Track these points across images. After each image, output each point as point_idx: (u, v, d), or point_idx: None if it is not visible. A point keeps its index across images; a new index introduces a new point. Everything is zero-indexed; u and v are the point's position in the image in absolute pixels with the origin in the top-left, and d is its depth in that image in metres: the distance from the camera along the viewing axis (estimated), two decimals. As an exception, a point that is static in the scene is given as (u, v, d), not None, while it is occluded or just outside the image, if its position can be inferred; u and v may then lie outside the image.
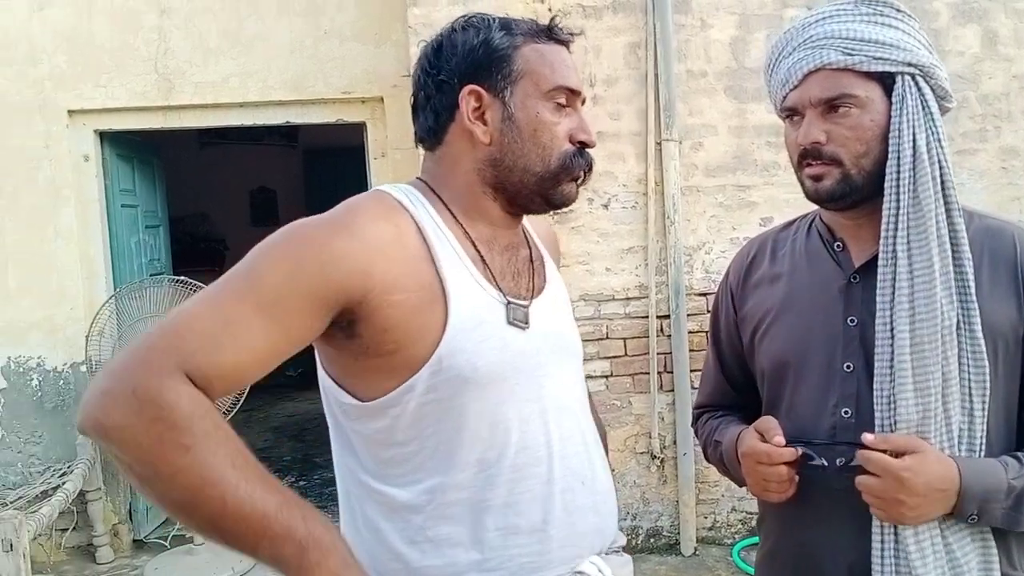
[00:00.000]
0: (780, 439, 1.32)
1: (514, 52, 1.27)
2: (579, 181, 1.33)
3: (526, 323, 1.26)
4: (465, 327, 1.18)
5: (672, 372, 4.17)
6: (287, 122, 4.75)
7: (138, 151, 5.03)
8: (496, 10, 4.13)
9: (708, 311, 4.15)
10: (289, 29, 4.54)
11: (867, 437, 1.25)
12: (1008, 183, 4.38)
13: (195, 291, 4.13)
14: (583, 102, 1.34)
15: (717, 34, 4.20)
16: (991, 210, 4.24)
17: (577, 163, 1.30)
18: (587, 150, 1.32)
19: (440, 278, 1.19)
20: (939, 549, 1.26)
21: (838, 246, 1.42)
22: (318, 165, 8.41)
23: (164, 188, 5.44)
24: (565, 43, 1.32)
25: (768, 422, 1.37)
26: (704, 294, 4.23)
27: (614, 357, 4.19)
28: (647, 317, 4.17)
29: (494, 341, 1.21)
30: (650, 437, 4.20)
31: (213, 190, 8.40)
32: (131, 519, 4.72)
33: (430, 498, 1.20)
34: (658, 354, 4.17)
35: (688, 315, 4.17)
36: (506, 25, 1.29)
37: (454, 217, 1.28)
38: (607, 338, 4.19)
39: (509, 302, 1.25)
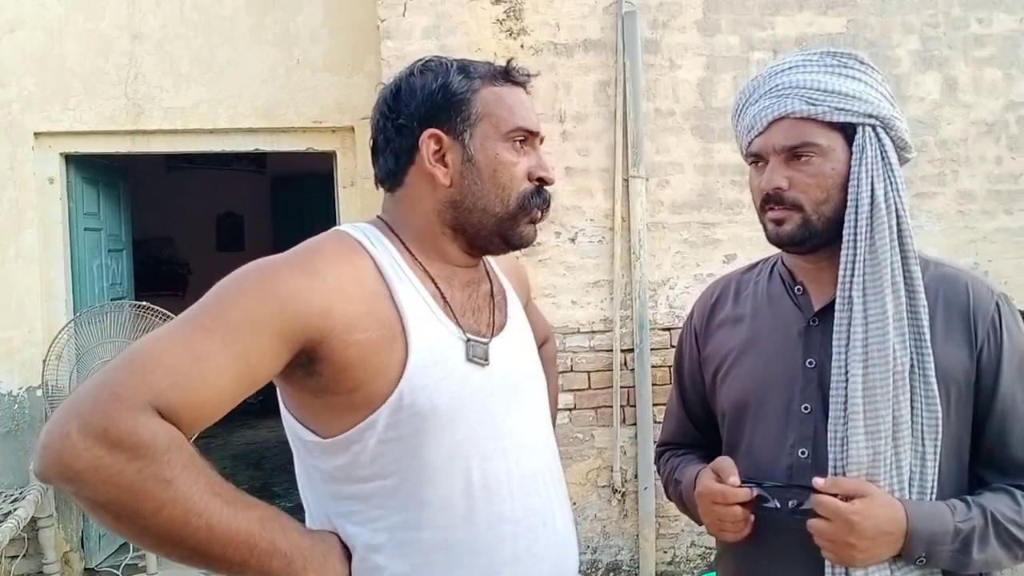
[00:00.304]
0: (735, 479, 1.34)
1: (472, 95, 1.28)
2: (536, 221, 1.34)
3: (486, 360, 1.26)
4: (425, 364, 1.19)
5: (635, 406, 4.20)
6: (256, 149, 4.75)
7: (104, 174, 4.99)
8: (468, 46, 4.19)
9: (672, 346, 4.20)
10: (261, 58, 4.56)
11: (817, 481, 1.27)
12: (965, 226, 4.49)
13: (156, 316, 4.10)
14: (541, 141, 1.37)
15: (685, 74, 4.29)
16: (948, 252, 4.35)
17: (535, 201, 1.32)
18: (545, 188, 1.34)
19: (400, 316, 1.20)
20: None
21: (799, 289, 1.45)
22: (286, 191, 8.39)
23: (129, 212, 5.39)
24: (522, 84, 1.35)
25: (724, 462, 1.39)
26: (668, 329, 4.27)
27: (578, 390, 4.21)
28: (611, 351, 4.20)
29: (454, 378, 1.21)
30: (612, 471, 4.22)
31: (179, 214, 8.33)
32: (83, 547, 4.62)
33: (390, 536, 1.19)
34: (621, 387, 4.20)
35: (652, 349, 4.21)
36: (464, 68, 1.30)
37: (413, 256, 1.29)
38: (571, 371, 4.20)
39: (469, 339, 1.25)
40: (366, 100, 4.51)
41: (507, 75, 1.33)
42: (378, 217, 1.36)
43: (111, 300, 4.82)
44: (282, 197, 8.53)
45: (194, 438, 1.09)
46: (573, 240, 4.22)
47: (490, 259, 1.45)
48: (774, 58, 4.29)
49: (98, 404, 0.99)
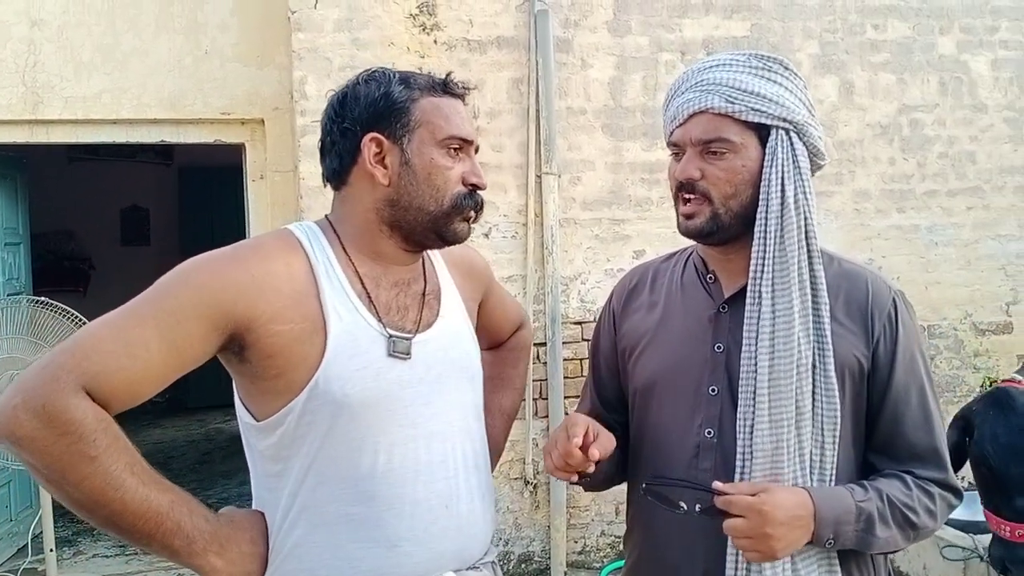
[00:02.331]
0: (578, 440, 1.35)
1: (412, 104, 1.40)
2: (470, 220, 1.46)
3: (408, 354, 1.37)
4: (341, 356, 1.31)
5: (547, 399, 4.26)
6: (162, 141, 4.63)
7: (0, 165, 4.79)
8: (381, 40, 4.17)
9: (583, 339, 4.27)
10: (168, 46, 4.44)
11: (718, 485, 1.33)
12: (860, 224, 4.69)
13: (55, 312, 3.96)
14: (476, 150, 1.48)
15: (596, 74, 4.36)
16: (845, 248, 4.55)
17: (467, 203, 1.43)
18: (478, 192, 1.45)
19: (323, 312, 1.32)
20: (787, 571, 1.34)
21: (710, 278, 1.52)
22: (194, 184, 8.17)
23: (27, 204, 5.19)
24: (460, 96, 1.47)
25: (577, 426, 1.38)
26: (580, 323, 4.35)
27: (491, 384, 4.23)
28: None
29: (370, 371, 1.33)
30: (524, 463, 4.27)
31: (81, 207, 8.05)
32: (-21, 553, 4.44)
33: (301, 510, 1.33)
34: (534, 381, 4.25)
35: (564, 343, 4.27)
36: (405, 80, 1.42)
37: (348, 256, 1.40)
38: (485, 365, 4.23)
39: (391, 335, 1.36)
40: (276, 92, 4.46)
41: (445, 87, 1.44)
42: (326, 216, 1.47)
43: (7, 295, 4.63)
44: (190, 190, 8.31)
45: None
46: (487, 235, 4.25)
47: (439, 255, 1.56)
48: (682, 60, 4.40)
49: (40, 383, 1.15)
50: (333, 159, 1.44)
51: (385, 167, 1.39)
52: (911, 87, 4.73)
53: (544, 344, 4.25)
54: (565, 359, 4.26)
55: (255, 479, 1.42)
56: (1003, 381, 2.66)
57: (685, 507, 1.37)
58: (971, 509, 3.94)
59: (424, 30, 4.16)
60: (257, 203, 4.54)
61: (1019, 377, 2.64)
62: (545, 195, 4.24)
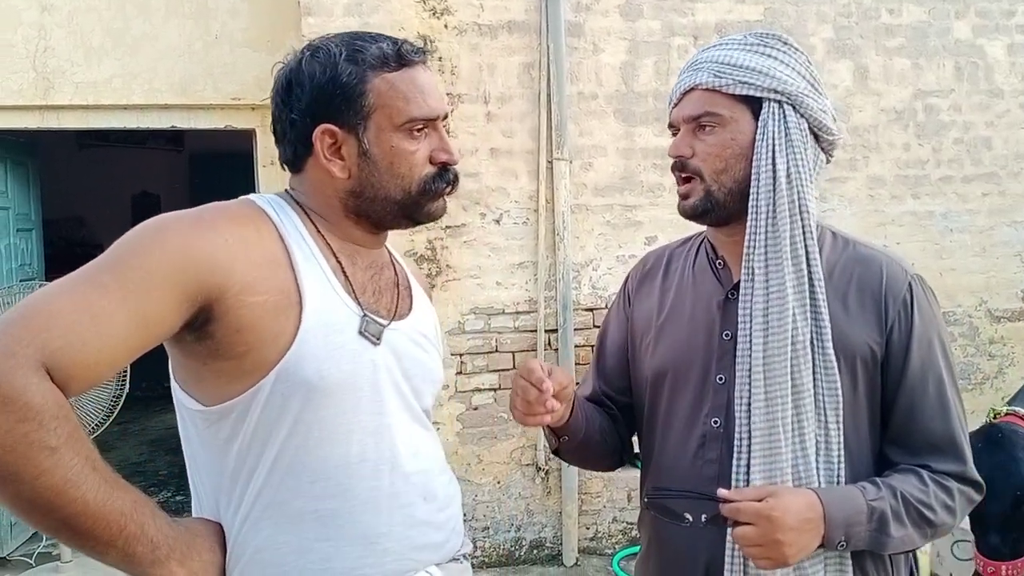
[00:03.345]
0: (548, 384, 1.32)
1: (364, 86, 1.25)
2: (445, 195, 1.34)
3: (378, 339, 1.26)
4: (316, 334, 1.18)
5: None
6: (172, 126, 4.62)
7: (12, 151, 4.80)
8: (391, 25, 4.15)
9: (595, 326, 4.26)
10: (178, 32, 4.43)
11: (722, 492, 1.29)
12: (875, 210, 4.65)
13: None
14: (445, 118, 1.34)
15: (608, 58, 4.33)
16: (859, 235, 4.50)
17: (438, 185, 1.31)
18: (449, 168, 1.33)
19: (298, 285, 1.20)
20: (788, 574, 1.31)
21: (720, 263, 1.49)
22: (205, 170, 8.17)
23: (39, 190, 5.20)
24: (418, 64, 1.30)
25: (528, 366, 1.35)
26: (591, 309, 4.33)
27: (502, 370, 4.24)
28: (536, 331, 4.24)
29: (345, 351, 1.21)
30: (535, 449, 4.27)
31: (92, 194, 8.06)
32: (-7, 537, 4.47)
33: (264, 510, 1.19)
34: (545, 368, 4.23)
35: (575, 329, 4.26)
36: (352, 56, 1.26)
37: (318, 230, 1.28)
38: (496, 351, 4.23)
39: (365, 314, 1.25)
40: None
41: (400, 58, 1.27)
42: (286, 191, 1.35)
43: (20, 281, 4.65)
44: (200, 176, 8.31)
45: (105, 426, 1.07)
46: (498, 221, 4.24)
47: (401, 260, 1.47)
48: (694, 44, 4.37)
49: None
50: (287, 148, 1.31)
51: (342, 159, 1.27)
52: (926, 72, 4.68)
53: (555, 331, 4.24)
54: (576, 346, 4.25)
55: (200, 476, 1.26)
56: (1007, 415, 2.63)
57: (691, 518, 1.34)
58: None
59: (434, 14, 4.13)
60: (268, 189, 4.49)
61: (1021, 411, 2.61)
62: (556, 181, 4.22)
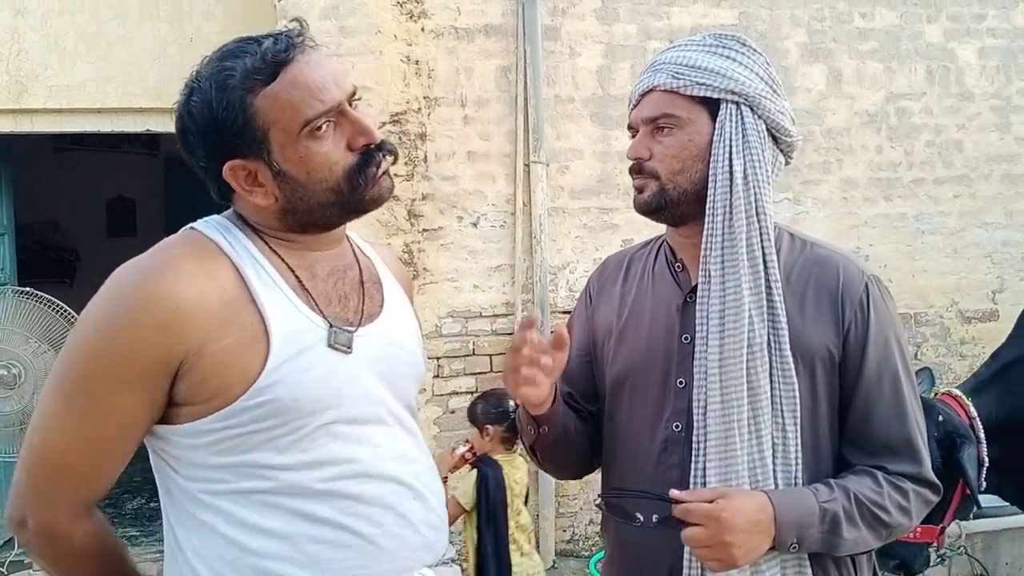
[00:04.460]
0: (535, 336, 1.34)
1: (246, 113, 1.18)
2: (386, 173, 1.27)
3: (349, 348, 1.24)
4: (285, 359, 1.17)
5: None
6: (148, 130, 4.59)
7: (-17, 154, 4.75)
8: (368, 28, 4.15)
9: (572, 329, 4.26)
10: (153, 35, 4.40)
11: (674, 492, 1.29)
12: (848, 212, 4.70)
13: (41, 302, 3.92)
14: (353, 95, 1.24)
15: (584, 62, 4.35)
16: (832, 237, 4.56)
17: (368, 170, 1.23)
18: (373, 148, 1.24)
19: (262, 316, 1.18)
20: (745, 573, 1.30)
21: (678, 266, 1.48)
22: (181, 175, 7.97)
23: (11, 195, 5.15)
24: (293, 58, 1.20)
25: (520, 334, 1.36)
26: (568, 312, 4.31)
27: (480, 373, 4.24)
28: (512, 334, 4.24)
29: (316, 370, 1.19)
30: (514, 452, 4.27)
31: (66, 198, 7.96)
32: (-34, 545, 4.41)
33: (256, 516, 1.19)
34: (523, 371, 4.24)
35: (552, 332, 4.26)
36: (223, 84, 1.18)
37: (271, 248, 1.25)
38: (474, 354, 4.24)
39: (331, 325, 1.23)
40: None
41: (273, 65, 1.18)
42: (232, 209, 1.31)
43: (-8, 286, 4.60)
44: (176, 180, 8.21)
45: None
46: (475, 225, 4.24)
47: (371, 250, 1.44)
48: (670, 47, 4.39)
49: (29, 507, 1.20)
50: (213, 187, 1.27)
51: (261, 185, 1.21)
52: (898, 76, 4.74)
53: (533, 333, 4.25)
54: (554, 348, 4.26)
55: (175, 507, 1.25)
56: (943, 394, 2.66)
57: (642, 518, 1.34)
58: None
59: (411, 18, 4.13)
60: (244, 193, 4.51)
61: (957, 393, 2.64)
62: (533, 184, 4.23)
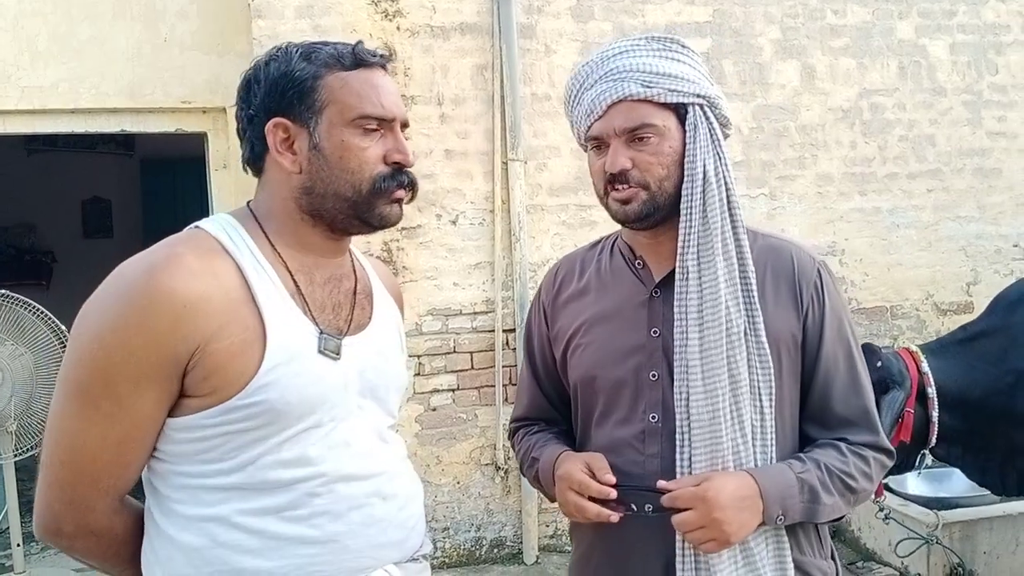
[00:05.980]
0: (610, 477, 1.39)
1: (316, 82, 1.28)
2: (401, 201, 1.35)
3: (337, 354, 1.29)
4: (279, 363, 1.22)
5: (516, 385, 4.27)
6: (122, 130, 4.56)
7: (-44, 156, 4.71)
8: (343, 27, 4.14)
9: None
10: (126, 35, 4.37)
11: (660, 483, 1.35)
12: (823, 207, 4.75)
13: (17, 305, 3.89)
14: (404, 125, 1.36)
15: (560, 60, 4.36)
16: (808, 232, 4.61)
17: (390, 184, 1.32)
18: (405, 171, 1.34)
19: (261, 318, 1.23)
20: (738, 556, 1.36)
21: (639, 264, 1.53)
22: (157, 175, 8.03)
23: (-15, 196, 5.10)
24: (375, 66, 1.33)
25: (598, 460, 1.43)
26: (547, 309, 4.35)
27: (461, 371, 4.25)
28: (493, 331, 4.26)
29: (307, 376, 1.24)
30: (495, 449, 4.29)
31: (41, 200, 7.89)
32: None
33: (230, 509, 1.24)
34: (504, 367, 4.27)
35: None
36: (308, 55, 1.30)
37: (275, 249, 1.30)
38: (454, 352, 4.25)
39: (322, 331, 1.28)
40: (238, 80, 4.40)
41: (355, 58, 1.31)
42: (248, 203, 1.37)
43: (-33, 290, 4.55)
44: (152, 181, 8.17)
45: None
46: (454, 222, 4.25)
47: (367, 263, 1.48)
48: (646, 44, 4.41)
49: (62, 509, 1.23)
50: (246, 147, 1.35)
51: (294, 153, 1.29)
52: (871, 71, 4.79)
53: (513, 331, 4.27)
54: (533, 345, 4.27)
55: (156, 495, 1.29)
56: (902, 349, 2.72)
57: (635, 508, 1.37)
58: (933, 485, 4.05)
59: (386, 17, 4.13)
60: (220, 193, 4.49)
61: (914, 349, 2.70)
62: (512, 181, 4.24)
